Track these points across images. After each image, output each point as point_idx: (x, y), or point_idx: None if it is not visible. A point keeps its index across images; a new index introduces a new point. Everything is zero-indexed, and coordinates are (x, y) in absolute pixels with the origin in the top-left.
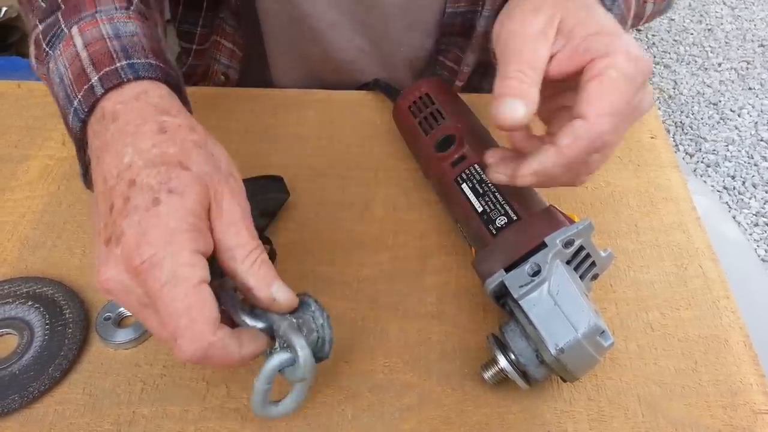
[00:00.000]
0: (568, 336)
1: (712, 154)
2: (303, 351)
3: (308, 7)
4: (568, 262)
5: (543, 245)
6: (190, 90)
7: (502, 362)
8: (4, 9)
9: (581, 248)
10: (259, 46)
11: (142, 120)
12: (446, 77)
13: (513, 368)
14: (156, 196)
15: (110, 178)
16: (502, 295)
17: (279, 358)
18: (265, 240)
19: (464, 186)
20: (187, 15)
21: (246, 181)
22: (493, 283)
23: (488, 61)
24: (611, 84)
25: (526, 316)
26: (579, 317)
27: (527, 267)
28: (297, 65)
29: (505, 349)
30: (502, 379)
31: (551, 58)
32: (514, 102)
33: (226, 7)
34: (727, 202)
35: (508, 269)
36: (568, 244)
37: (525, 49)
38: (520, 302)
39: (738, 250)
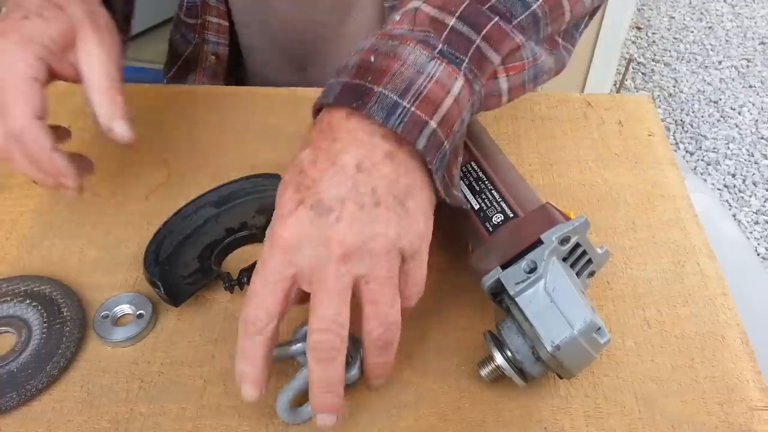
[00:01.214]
0: (564, 333)
1: (713, 152)
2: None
3: None
4: (565, 259)
5: (539, 242)
6: (187, 91)
7: (499, 359)
8: (3, 9)
9: (577, 245)
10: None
11: None
12: None
13: (509, 365)
14: (26, 15)
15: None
16: (498, 292)
17: (296, 383)
18: (262, 239)
19: (461, 183)
20: None
21: (244, 180)
22: (489, 280)
23: None
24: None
25: (523, 314)
26: (575, 314)
27: (523, 264)
28: (258, 34)
29: (501, 346)
30: (498, 376)
31: None
32: (246, 387)
33: None
34: (727, 200)
35: (504, 266)
36: (564, 241)
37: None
38: (516, 299)
39: (736, 248)
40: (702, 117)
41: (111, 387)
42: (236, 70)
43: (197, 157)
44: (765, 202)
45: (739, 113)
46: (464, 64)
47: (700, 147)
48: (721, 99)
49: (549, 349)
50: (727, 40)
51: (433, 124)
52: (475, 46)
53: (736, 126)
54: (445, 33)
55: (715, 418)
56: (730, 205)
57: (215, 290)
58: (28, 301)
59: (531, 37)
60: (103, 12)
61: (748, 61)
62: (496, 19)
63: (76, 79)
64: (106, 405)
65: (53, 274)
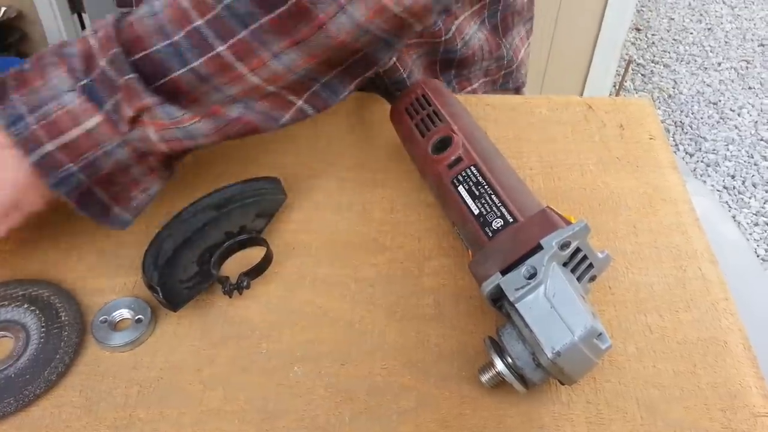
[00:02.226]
0: (565, 339)
1: (712, 153)
2: None
3: None
4: (565, 264)
5: (539, 248)
6: None
7: (499, 366)
8: (3, 9)
9: (578, 250)
10: None
11: None
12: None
13: (510, 372)
14: None
15: None
16: (498, 298)
17: None
18: (261, 242)
19: (460, 188)
20: None
21: (243, 183)
22: (489, 286)
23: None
24: None
25: (523, 320)
26: (576, 320)
27: (523, 270)
28: None
29: (502, 352)
30: (499, 382)
31: None
32: None
33: None
34: (727, 202)
35: (504, 272)
36: (564, 246)
37: None
38: (516, 305)
39: (737, 251)
40: (701, 118)
41: (110, 392)
42: None
43: (197, 160)
44: (765, 203)
45: (739, 115)
46: (108, 105)
47: (700, 148)
48: (720, 100)
49: (549, 355)
50: (726, 42)
51: (48, 146)
52: (118, 93)
53: (736, 127)
54: (96, 72)
55: (717, 424)
56: (729, 207)
57: (214, 295)
58: (26, 306)
59: (190, 101)
60: None
61: (748, 62)
62: (132, 76)
63: None
64: (104, 410)
65: (51, 278)
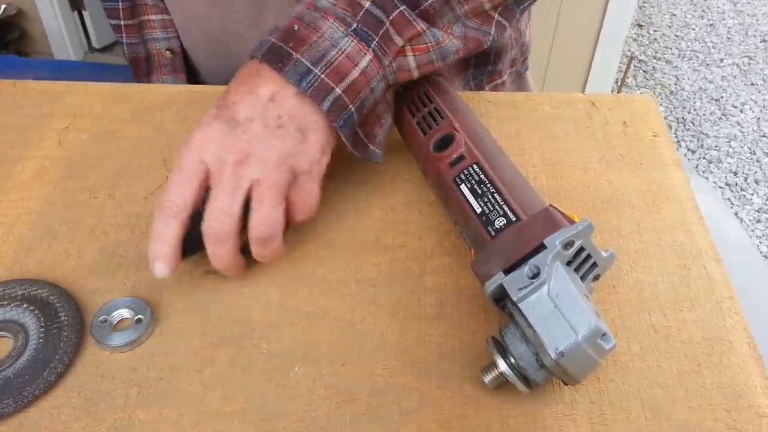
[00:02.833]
0: (569, 339)
1: (714, 150)
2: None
3: None
4: (569, 264)
5: (542, 247)
6: (187, 89)
7: (502, 366)
8: (3, 6)
9: (581, 249)
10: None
11: None
12: None
13: (513, 372)
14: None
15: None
16: (501, 297)
17: None
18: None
19: (463, 186)
20: None
21: None
22: (492, 285)
23: None
24: None
25: (526, 319)
26: (579, 320)
27: (526, 269)
28: (198, 30)
29: (504, 352)
30: (502, 382)
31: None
32: (159, 264)
33: None
34: (729, 199)
35: (507, 271)
36: (567, 245)
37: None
38: (519, 305)
39: (741, 249)
40: (703, 115)
41: (109, 393)
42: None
43: None
44: (767, 200)
45: (741, 111)
46: (374, 43)
47: (702, 145)
48: (722, 97)
49: (553, 355)
50: (728, 38)
51: (338, 90)
52: (384, 28)
53: (738, 124)
54: (361, 14)
55: (722, 424)
56: (731, 204)
57: (214, 295)
58: (25, 306)
59: (437, 22)
60: None
61: (750, 58)
62: (402, 8)
63: None
64: (104, 411)
65: (51, 277)
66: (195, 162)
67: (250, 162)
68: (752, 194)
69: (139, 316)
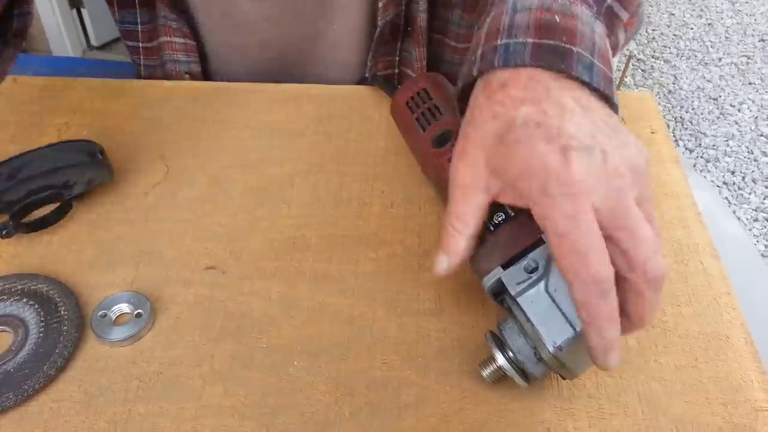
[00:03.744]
0: (567, 333)
1: (712, 149)
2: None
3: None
4: None
5: (540, 242)
6: (186, 87)
7: (500, 360)
8: None
9: None
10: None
11: None
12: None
13: (511, 366)
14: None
15: None
16: (499, 292)
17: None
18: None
19: None
20: (123, 15)
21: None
22: (490, 280)
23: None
24: (564, 251)
25: (524, 314)
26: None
27: (525, 264)
28: (234, 57)
29: (503, 346)
30: (500, 376)
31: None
32: (440, 257)
33: (161, 3)
34: (726, 198)
35: (505, 266)
36: None
37: (456, 200)
38: (517, 299)
39: (738, 246)
40: (701, 114)
41: (109, 387)
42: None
43: (196, 154)
44: (764, 199)
45: (739, 110)
46: (604, 22)
47: (700, 144)
48: (720, 96)
49: (551, 349)
50: (727, 37)
51: (613, 78)
52: (606, 5)
53: (736, 123)
54: None
55: (719, 418)
56: (729, 203)
57: (214, 289)
58: (24, 300)
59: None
60: None
61: (748, 58)
62: None
63: None
64: (103, 405)
65: (50, 272)
66: (590, 211)
67: (632, 179)
68: (750, 193)
69: (139, 311)
